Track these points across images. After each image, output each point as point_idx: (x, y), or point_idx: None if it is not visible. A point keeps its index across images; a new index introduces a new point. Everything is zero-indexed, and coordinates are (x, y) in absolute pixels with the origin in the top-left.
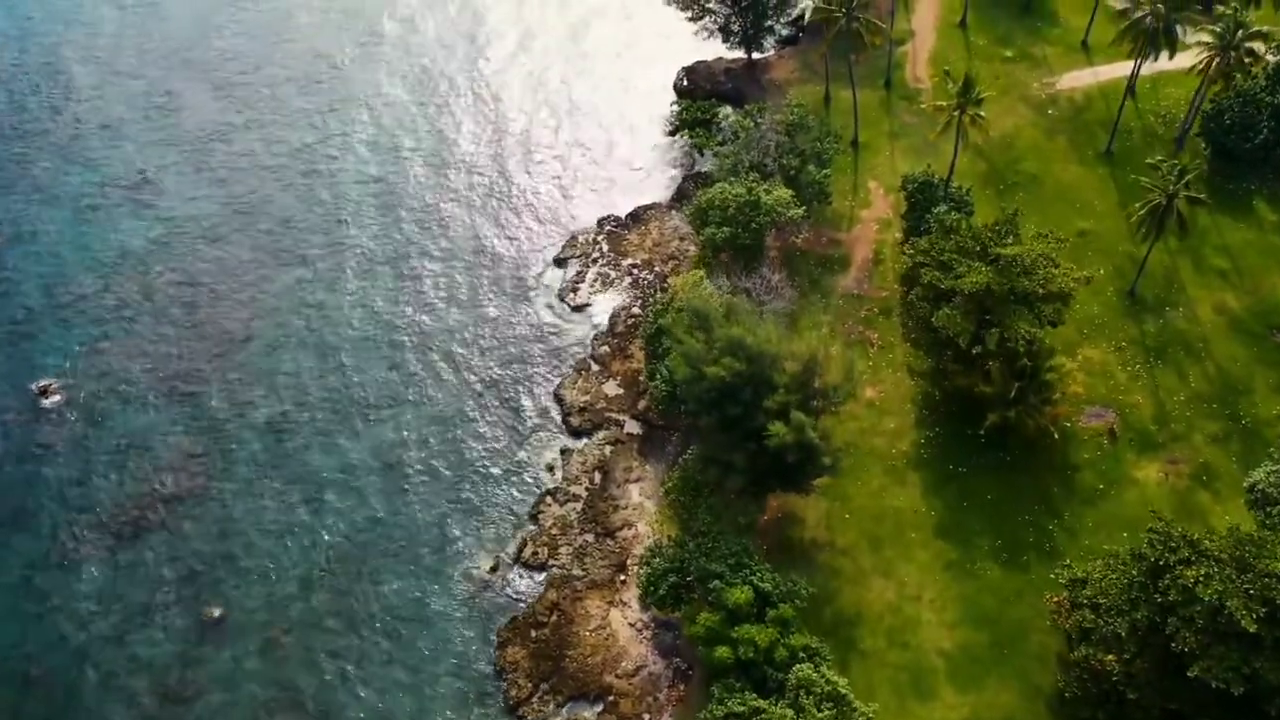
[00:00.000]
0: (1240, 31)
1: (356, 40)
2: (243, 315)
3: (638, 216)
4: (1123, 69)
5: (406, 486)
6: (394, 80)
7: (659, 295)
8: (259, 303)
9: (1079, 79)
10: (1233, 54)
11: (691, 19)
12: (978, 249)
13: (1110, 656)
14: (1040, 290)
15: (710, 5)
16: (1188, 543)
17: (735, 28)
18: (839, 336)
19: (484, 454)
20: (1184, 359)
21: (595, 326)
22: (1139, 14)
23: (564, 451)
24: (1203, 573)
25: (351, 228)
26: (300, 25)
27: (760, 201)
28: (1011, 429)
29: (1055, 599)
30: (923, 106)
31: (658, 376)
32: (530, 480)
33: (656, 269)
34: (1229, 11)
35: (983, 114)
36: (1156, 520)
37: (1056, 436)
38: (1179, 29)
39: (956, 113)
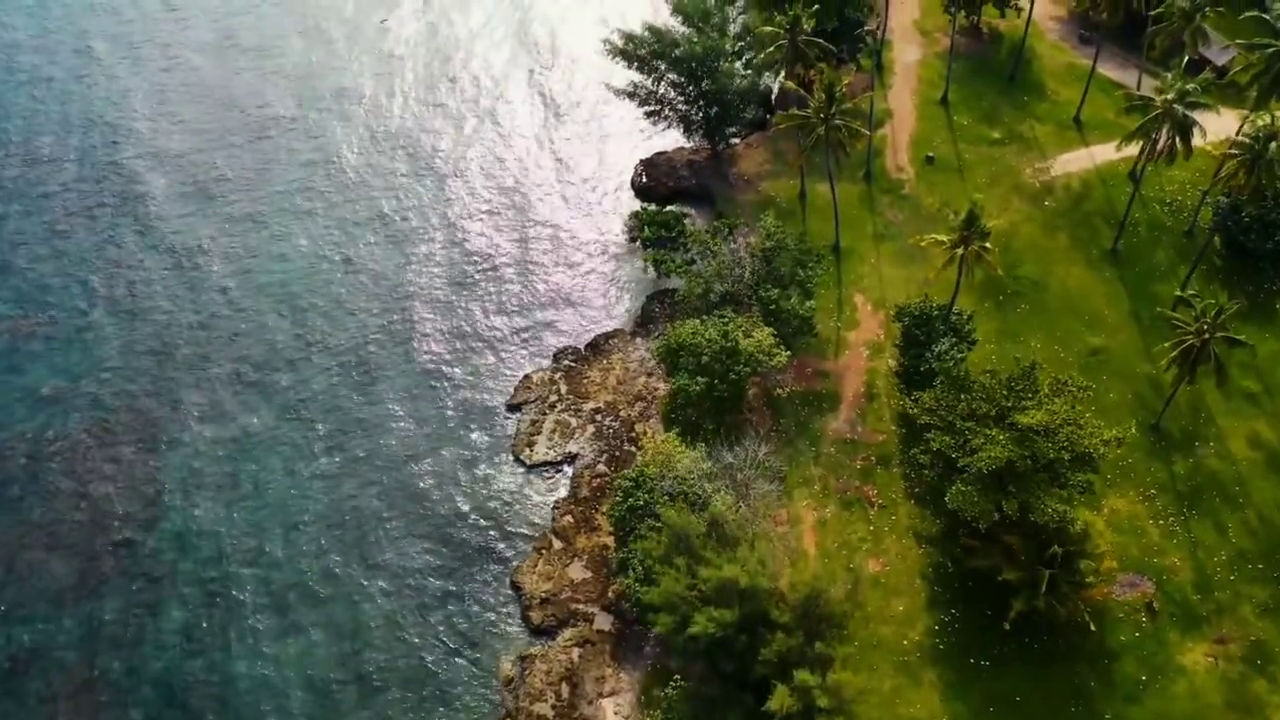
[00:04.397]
0: (1273, 144)
1: (267, 154)
2: (143, 495)
3: (598, 347)
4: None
5: (340, 716)
6: (302, 204)
7: (625, 471)
8: (160, 476)
9: (1075, 161)
10: (1262, 168)
11: (647, 115)
12: (993, 413)
13: None
14: (1066, 456)
15: (668, 98)
16: None
17: (697, 117)
18: (832, 495)
19: (430, 667)
20: (1221, 507)
21: (555, 490)
22: (1153, 113)
23: (524, 659)
24: None
25: (265, 374)
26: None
27: (739, 348)
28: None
29: None
30: (921, 244)
31: (630, 572)
32: (485, 698)
33: (622, 414)
34: (1260, 121)
35: (988, 245)
36: None
37: (1093, 628)
38: (1196, 129)
39: (960, 248)
